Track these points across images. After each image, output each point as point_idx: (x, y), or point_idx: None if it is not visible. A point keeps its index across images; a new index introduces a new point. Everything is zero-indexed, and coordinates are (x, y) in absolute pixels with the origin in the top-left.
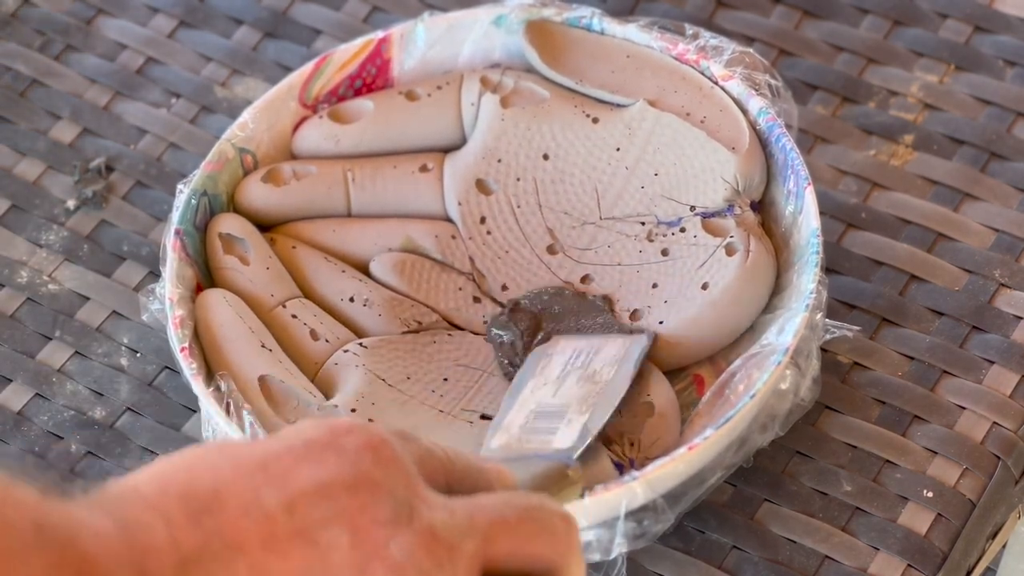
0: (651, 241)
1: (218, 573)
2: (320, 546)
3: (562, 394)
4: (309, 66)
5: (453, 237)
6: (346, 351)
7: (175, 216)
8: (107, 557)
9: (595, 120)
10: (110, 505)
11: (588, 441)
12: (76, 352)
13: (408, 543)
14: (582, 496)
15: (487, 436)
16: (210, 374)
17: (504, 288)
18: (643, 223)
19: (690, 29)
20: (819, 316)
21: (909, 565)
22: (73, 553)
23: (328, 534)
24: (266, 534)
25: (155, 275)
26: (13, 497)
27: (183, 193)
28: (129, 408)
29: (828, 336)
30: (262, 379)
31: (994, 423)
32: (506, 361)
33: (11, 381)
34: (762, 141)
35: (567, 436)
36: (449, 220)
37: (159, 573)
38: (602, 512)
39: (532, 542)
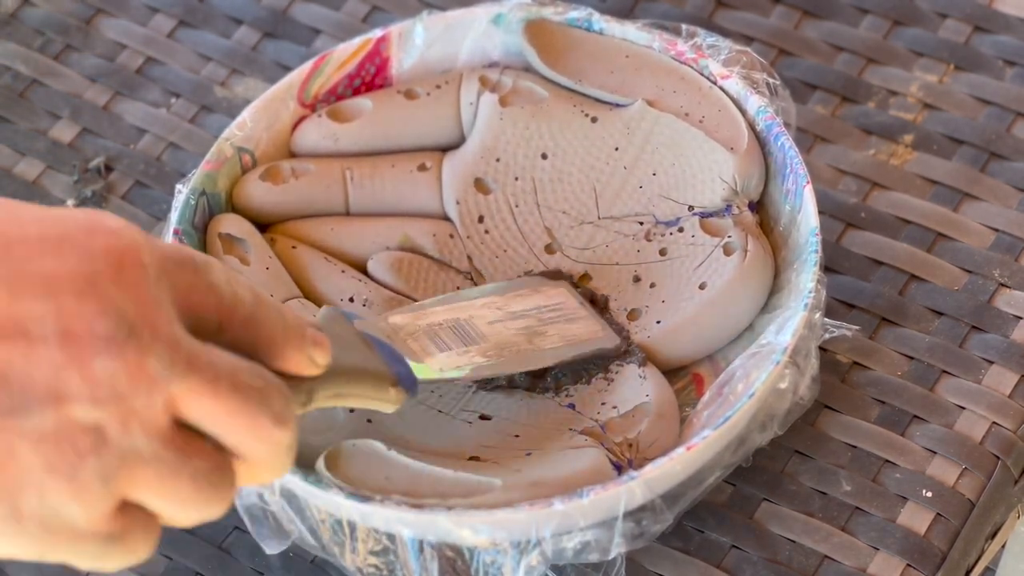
0: (649, 241)
1: None
2: (28, 337)
3: (496, 328)
4: (308, 65)
5: (451, 236)
6: None
7: (174, 216)
8: None
9: (594, 120)
10: None
11: (442, 377)
12: None
13: (112, 364)
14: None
15: (403, 308)
16: None
17: None
18: (641, 223)
19: (687, 29)
20: (818, 315)
21: (908, 565)
22: None
23: (40, 328)
24: None
25: None
26: None
27: (182, 193)
28: None
29: (827, 336)
30: None
31: (993, 423)
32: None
33: None
34: (761, 140)
35: (443, 361)
36: (447, 219)
37: None
38: (601, 512)
39: (230, 418)
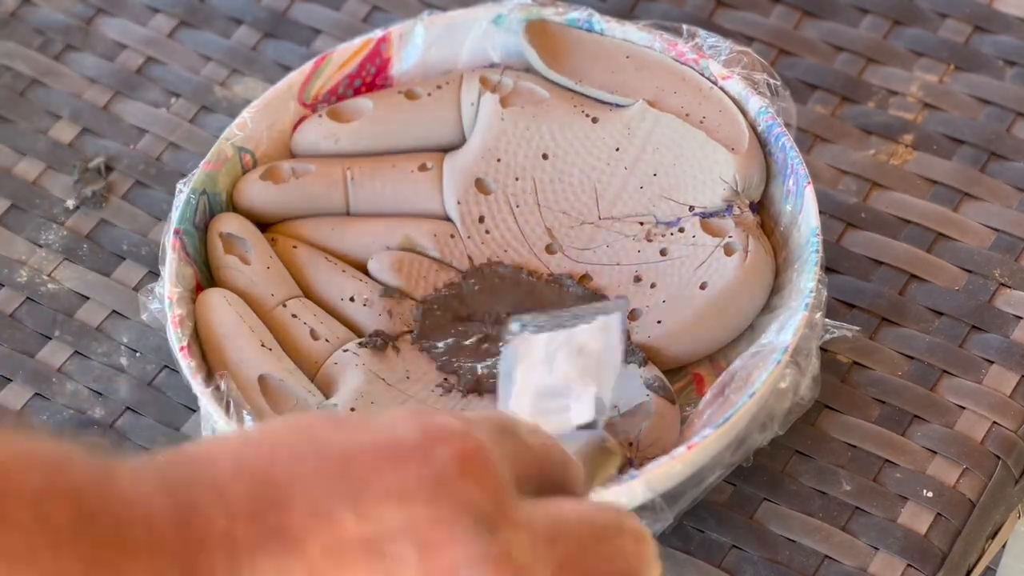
0: (650, 241)
1: (271, 574)
2: (386, 558)
3: (557, 373)
4: (309, 65)
5: (452, 236)
6: (346, 351)
7: (174, 215)
8: (151, 546)
9: (594, 120)
10: (171, 478)
11: (607, 412)
12: (76, 352)
13: (481, 568)
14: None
15: None
16: (210, 373)
17: None
18: (642, 223)
19: (688, 29)
20: (819, 315)
21: (909, 565)
22: (115, 542)
23: (397, 547)
24: (330, 539)
25: (155, 275)
26: (57, 475)
27: (182, 193)
28: (129, 408)
29: (828, 336)
30: (262, 378)
31: (994, 423)
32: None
33: (11, 381)
34: (761, 140)
35: (583, 411)
36: (448, 219)
37: (207, 569)
38: None
39: (602, 569)
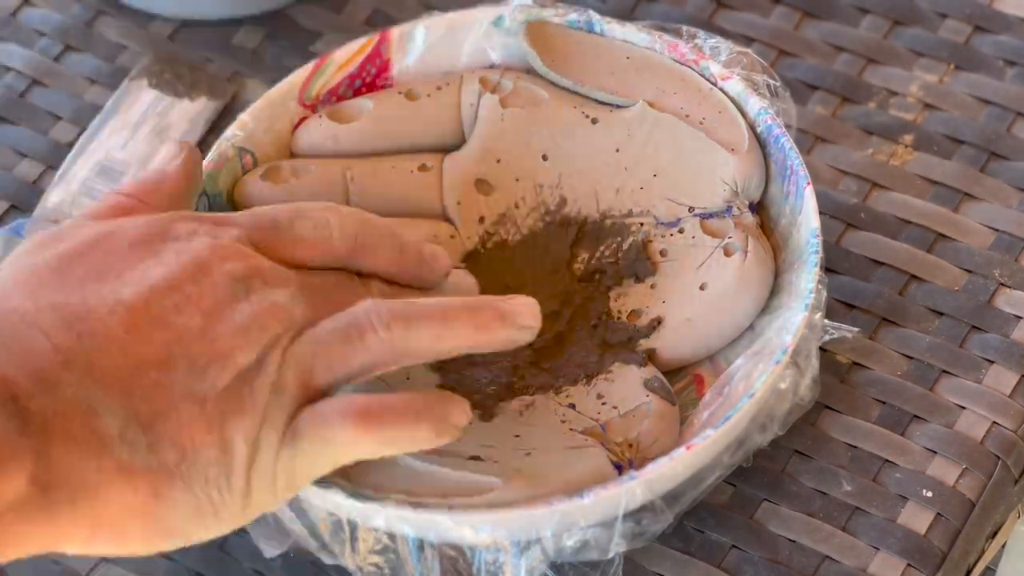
0: (649, 242)
1: (99, 361)
2: (175, 327)
3: (130, 147)
4: (309, 66)
5: (452, 236)
6: None
7: None
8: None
9: (594, 121)
10: None
11: None
12: None
13: (250, 309)
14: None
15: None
16: None
17: None
18: (642, 223)
19: (688, 30)
20: (819, 316)
21: (909, 565)
22: None
23: (181, 318)
24: (129, 324)
25: None
26: None
27: None
28: None
29: (828, 336)
30: None
31: (994, 423)
32: None
33: None
34: (761, 141)
35: None
36: (448, 219)
37: (52, 373)
38: (601, 512)
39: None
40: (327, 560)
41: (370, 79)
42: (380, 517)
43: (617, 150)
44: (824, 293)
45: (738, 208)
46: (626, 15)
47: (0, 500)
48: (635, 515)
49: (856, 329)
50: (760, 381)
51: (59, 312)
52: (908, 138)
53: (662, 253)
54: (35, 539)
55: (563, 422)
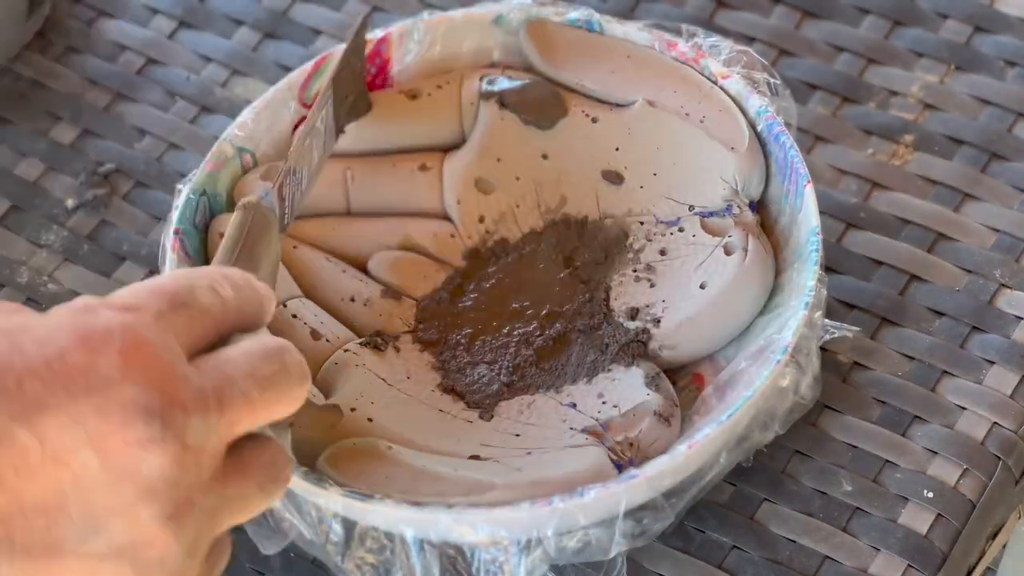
0: (649, 241)
1: None
2: (71, 468)
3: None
4: (309, 66)
5: (452, 236)
6: (346, 351)
7: (174, 216)
8: None
9: (594, 120)
10: None
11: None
12: None
13: (158, 463)
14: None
15: None
16: None
17: None
18: (642, 222)
19: (688, 29)
20: (819, 314)
21: (909, 565)
22: None
23: (79, 457)
24: (19, 464)
25: (155, 275)
26: None
27: (182, 193)
28: None
29: (828, 336)
30: None
31: (994, 423)
32: None
33: None
34: (761, 139)
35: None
36: (448, 219)
37: None
38: (601, 511)
39: (270, 413)
40: (326, 560)
41: (370, 78)
42: (380, 516)
43: (617, 149)
44: (824, 291)
45: (738, 207)
46: (626, 14)
47: None
48: (636, 514)
49: (857, 329)
50: (761, 379)
51: None
52: (908, 138)
53: (662, 252)
54: None
55: (563, 421)
